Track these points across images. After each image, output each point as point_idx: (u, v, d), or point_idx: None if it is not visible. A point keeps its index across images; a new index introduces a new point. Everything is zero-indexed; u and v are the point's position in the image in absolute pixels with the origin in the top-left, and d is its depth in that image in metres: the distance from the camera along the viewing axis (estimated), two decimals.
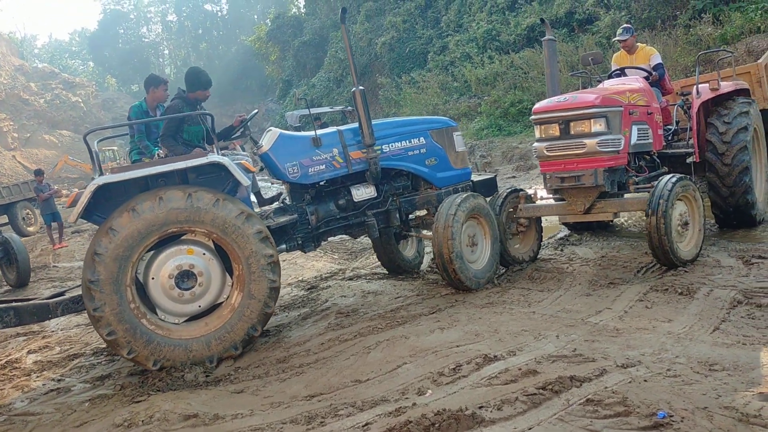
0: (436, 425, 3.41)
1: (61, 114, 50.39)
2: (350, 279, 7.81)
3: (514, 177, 15.44)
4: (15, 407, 4.89)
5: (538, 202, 7.17)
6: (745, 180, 6.97)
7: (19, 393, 5.27)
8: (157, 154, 6.15)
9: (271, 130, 6.34)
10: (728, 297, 5.12)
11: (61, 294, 5.79)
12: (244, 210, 5.32)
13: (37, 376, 5.68)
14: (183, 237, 5.37)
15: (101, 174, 5.16)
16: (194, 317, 5.42)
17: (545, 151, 6.55)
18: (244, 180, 5.40)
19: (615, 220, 8.05)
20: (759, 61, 9.01)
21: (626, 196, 6.67)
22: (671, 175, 6.18)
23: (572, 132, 6.34)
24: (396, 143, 6.66)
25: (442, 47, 27.45)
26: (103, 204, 5.22)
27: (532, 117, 6.77)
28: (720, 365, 3.86)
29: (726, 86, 7.45)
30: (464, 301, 6.01)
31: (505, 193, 7.14)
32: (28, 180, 21.97)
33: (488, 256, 6.50)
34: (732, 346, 4.21)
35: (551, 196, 7.04)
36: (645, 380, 3.74)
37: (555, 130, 6.45)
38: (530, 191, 7.33)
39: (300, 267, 9.18)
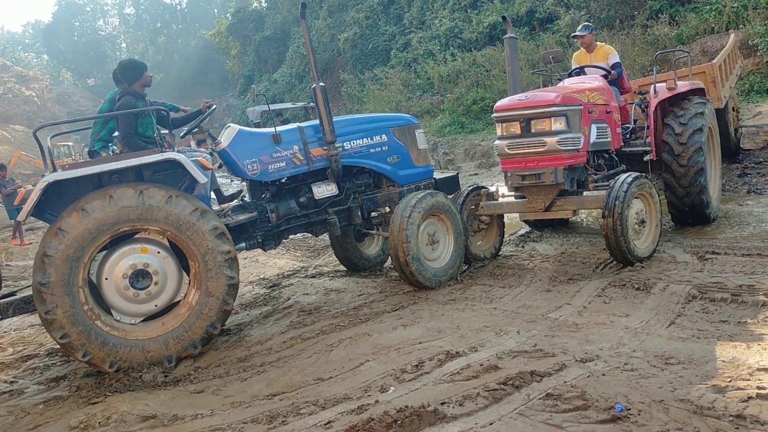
0: (399, 422, 3.41)
1: (14, 108, 48.94)
2: (313, 277, 7.77)
3: (476, 174, 15.55)
4: None
5: (500, 200, 7.23)
6: (701, 180, 7.13)
7: None
8: (112, 150, 6.01)
9: (230, 126, 6.25)
10: (683, 292, 5.25)
11: (12, 294, 5.61)
12: (198, 206, 5.23)
13: None
14: (136, 236, 5.25)
15: (54, 170, 5.01)
16: (151, 317, 5.31)
17: (506, 149, 6.61)
18: (201, 177, 5.31)
19: (574, 216, 8.17)
20: (714, 61, 9.25)
21: (585, 194, 6.77)
22: (627, 174, 6.28)
23: (533, 130, 6.41)
24: (357, 140, 6.63)
25: (405, 44, 27.48)
26: (56, 201, 5.07)
27: (494, 115, 6.82)
28: (675, 359, 3.95)
29: (682, 86, 7.62)
30: (427, 298, 6.03)
31: (467, 191, 7.18)
32: None
33: (451, 252, 6.52)
34: (687, 340, 4.31)
35: (512, 193, 7.10)
36: (603, 374, 3.81)
37: (516, 128, 6.51)
38: (492, 189, 7.39)
39: (262, 265, 9.09)
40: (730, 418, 3.13)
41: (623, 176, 6.22)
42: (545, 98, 6.39)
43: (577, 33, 7.97)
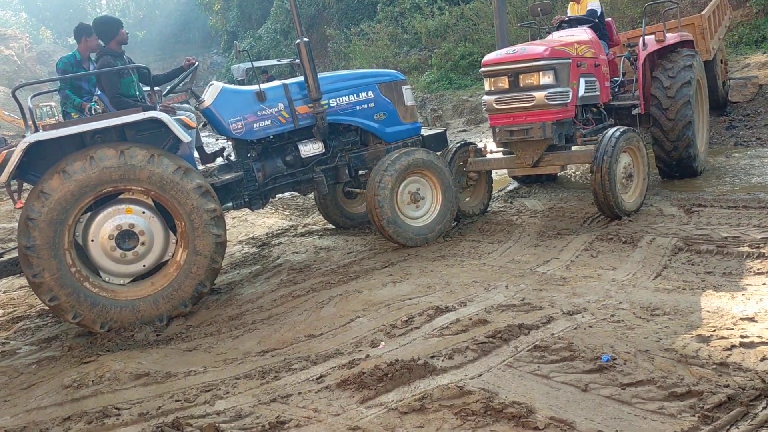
0: (389, 375, 3.47)
1: None
2: (302, 235, 7.77)
3: (464, 131, 15.47)
4: None
5: (488, 156, 7.21)
6: (688, 134, 7.14)
7: None
8: (93, 110, 5.92)
9: (213, 84, 6.15)
10: (670, 244, 5.30)
11: None
12: (181, 165, 5.18)
13: None
14: (121, 196, 5.21)
15: (36, 131, 4.94)
16: (140, 277, 5.31)
17: (494, 104, 6.56)
18: (184, 136, 5.25)
19: (562, 172, 8.19)
20: (703, 12, 9.17)
21: (573, 149, 6.75)
22: (615, 128, 6.26)
23: (521, 84, 6.36)
24: (343, 97, 6.53)
25: None
26: (39, 162, 5.01)
27: (482, 69, 6.75)
28: (661, 310, 4.02)
29: (671, 38, 7.57)
30: (416, 255, 6.06)
31: (454, 148, 7.14)
32: None
33: (439, 207, 6.48)
34: (673, 291, 4.38)
35: (500, 149, 7.08)
36: (590, 326, 3.87)
37: (504, 82, 6.45)
38: (480, 145, 7.36)
39: (251, 224, 9.07)
40: (714, 366, 3.20)
41: (611, 130, 6.21)
42: (533, 52, 6.33)
43: None
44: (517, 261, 5.53)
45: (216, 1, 43.10)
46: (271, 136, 6.31)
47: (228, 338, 4.71)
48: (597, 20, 7.40)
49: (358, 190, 7.07)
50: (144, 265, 5.27)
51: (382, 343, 4.08)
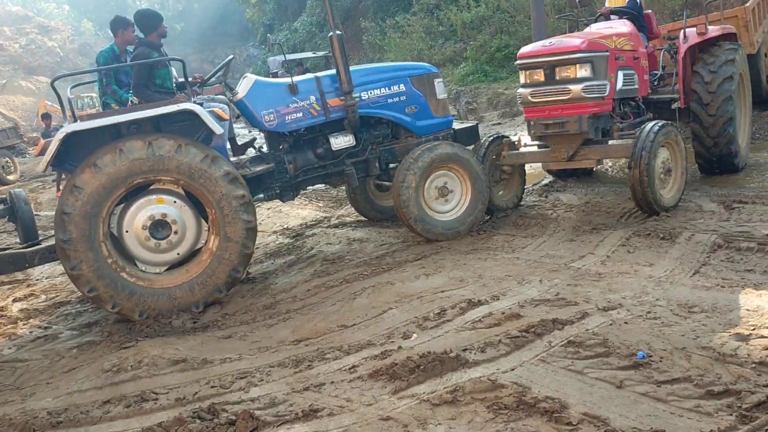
0: (421, 367, 3.48)
1: (37, 59, 48.99)
2: (335, 227, 7.82)
3: (499, 124, 15.36)
4: (2, 354, 4.91)
5: (522, 149, 7.12)
6: (729, 130, 6.97)
7: (6, 340, 5.28)
8: (130, 101, 6.03)
9: (246, 76, 6.21)
10: (709, 241, 5.20)
11: (38, 243, 5.75)
12: (209, 153, 5.24)
13: (24, 324, 5.69)
14: (152, 187, 5.31)
15: (74, 121, 5.06)
16: (175, 265, 5.42)
17: (530, 97, 6.49)
18: (217, 128, 5.31)
19: (598, 166, 8.08)
20: (747, 4, 8.94)
21: (610, 142, 6.65)
22: (654, 122, 6.14)
23: (557, 77, 6.28)
24: (375, 90, 6.51)
25: None
26: (77, 152, 5.13)
27: (517, 62, 6.68)
28: (699, 307, 3.95)
29: (713, 30, 7.39)
30: (449, 248, 6.05)
31: (488, 141, 7.09)
32: (6, 128, 21.44)
33: (469, 199, 6.41)
34: (711, 288, 4.30)
35: (535, 142, 7.01)
36: (625, 322, 3.83)
37: (540, 75, 6.37)
38: (514, 138, 7.29)
39: (285, 215, 9.16)
40: (753, 365, 3.14)
41: (649, 125, 6.09)
42: (570, 44, 6.24)
43: None
44: (551, 255, 5.49)
45: None
46: (303, 129, 6.33)
47: (263, 327, 4.77)
48: (636, 12, 7.27)
49: (388, 183, 7.07)
50: (178, 253, 5.37)
51: (415, 335, 4.09)
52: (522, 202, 7.38)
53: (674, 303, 4.08)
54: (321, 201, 9.78)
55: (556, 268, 5.10)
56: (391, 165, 6.85)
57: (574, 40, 6.33)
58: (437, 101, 6.88)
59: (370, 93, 6.50)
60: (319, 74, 6.42)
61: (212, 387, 3.72)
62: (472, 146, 7.02)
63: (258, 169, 6.03)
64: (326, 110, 6.25)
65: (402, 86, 6.64)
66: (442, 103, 6.95)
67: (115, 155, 4.98)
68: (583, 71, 6.17)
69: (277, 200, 6.55)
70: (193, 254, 5.45)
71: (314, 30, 34.99)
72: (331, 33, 6.16)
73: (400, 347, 3.88)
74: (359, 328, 4.41)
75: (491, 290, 4.70)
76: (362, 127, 6.52)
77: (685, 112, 7.30)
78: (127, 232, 5.22)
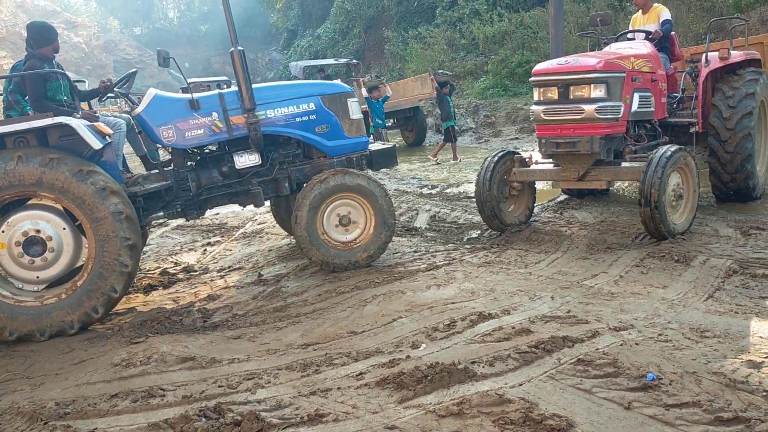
0: (429, 377, 3.48)
1: (62, 55, 49.40)
2: None
3: (516, 138, 15.35)
4: (14, 344, 4.96)
5: (532, 167, 7.05)
6: (747, 167, 6.90)
7: None
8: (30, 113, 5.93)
9: (149, 90, 6.03)
10: (724, 266, 5.16)
11: None
12: (84, 168, 5.04)
13: None
14: (29, 202, 5.14)
15: None
16: (54, 283, 5.24)
17: (542, 115, 6.46)
18: (95, 143, 5.11)
19: (609, 187, 8.02)
20: None
21: (622, 165, 6.54)
22: (665, 149, 6.00)
23: (571, 96, 6.23)
24: (281, 108, 6.24)
25: (451, 2, 26.89)
26: None
27: (532, 79, 6.64)
28: (711, 332, 3.92)
29: (736, 56, 7.33)
30: (461, 260, 6.05)
31: (497, 156, 7.04)
32: None
33: (370, 233, 6.17)
34: (725, 314, 4.26)
35: (547, 160, 6.94)
36: (636, 343, 3.80)
37: (554, 93, 6.33)
38: (525, 155, 7.23)
39: None
40: (764, 393, 3.12)
41: (660, 152, 5.94)
42: (586, 63, 6.21)
43: None
44: (564, 272, 5.47)
45: None
46: (207, 146, 6.19)
47: (272, 329, 4.79)
48: (662, 29, 7.23)
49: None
50: (55, 272, 5.16)
51: (423, 345, 4.09)
52: (536, 218, 7.36)
53: (686, 326, 4.05)
54: None
55: (569, 286, 5.08)
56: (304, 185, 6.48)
57: (590, 59, 6.31)
58: (350, 121, 6.57)
59: (277, 111, 6.22)
60: (224, 90, 6.21)
61: (219, 386, 3.74)
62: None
63: (151, 186, 5.80)
64: (229, 127, 6.02)
65: (312, 105, 6.35)
66: (356, 123, 6.64)
67: None
68: (598, 91, 6.13)
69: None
70: (73, 272, 5.24)
71: (337, 37, 35.21)
72: (232, 48, 5.97)
73: (408, 356, 3.88)
74: (368, 335, 4.41)
75: (502, 304, 4.69)
76: (270, 145, 6.30)
77: (703, 136, 7.22)
78: None
